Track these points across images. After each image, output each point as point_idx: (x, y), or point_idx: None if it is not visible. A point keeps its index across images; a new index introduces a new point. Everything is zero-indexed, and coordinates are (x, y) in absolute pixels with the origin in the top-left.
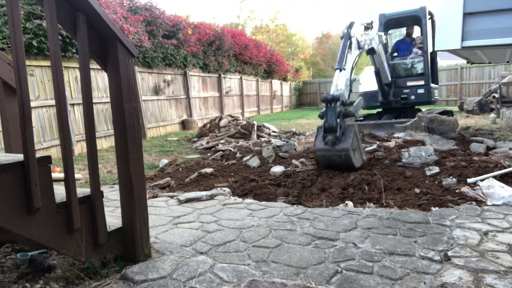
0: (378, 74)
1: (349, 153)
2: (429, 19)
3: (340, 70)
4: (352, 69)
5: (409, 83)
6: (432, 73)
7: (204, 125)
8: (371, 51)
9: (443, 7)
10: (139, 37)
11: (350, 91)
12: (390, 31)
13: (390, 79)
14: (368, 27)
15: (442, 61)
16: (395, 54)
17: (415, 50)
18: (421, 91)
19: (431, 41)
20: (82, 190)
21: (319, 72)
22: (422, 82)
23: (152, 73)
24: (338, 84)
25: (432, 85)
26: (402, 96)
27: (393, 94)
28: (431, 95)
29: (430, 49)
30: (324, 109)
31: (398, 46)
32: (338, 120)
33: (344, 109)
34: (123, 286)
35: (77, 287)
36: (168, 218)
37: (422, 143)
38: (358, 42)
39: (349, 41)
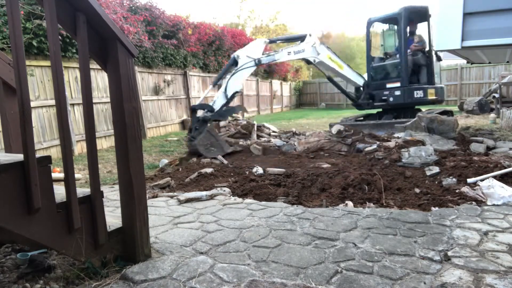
0: (330, 79)
1: (196, 147)
2: (429, 17)
3: (213, 86)
4: (224, 79)
5: (388, 85)
6: (427, 73)
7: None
8: (307, 61)
9: (443, 7)
10: (139, 37)
11: (228, 101)
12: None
13: (360, 83)
14: (292, 38)
15: (442, 61)
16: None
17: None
18: (397, 93)
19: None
20: (82, 190)
21: (319, 72)
22: (398, 84)
23: (152, 73)
24: (215, 96)
25: (415, 85)
26: (383, 98)
27: (370, 96)
28: (408, 96)
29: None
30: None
31: None
32: (196, 124)
33: (206, 115)
34: (123, 286)
35: (77, 287)
36: (168, 218)
37: (422, 143)
38: (255, 60)
39: (234, 61)
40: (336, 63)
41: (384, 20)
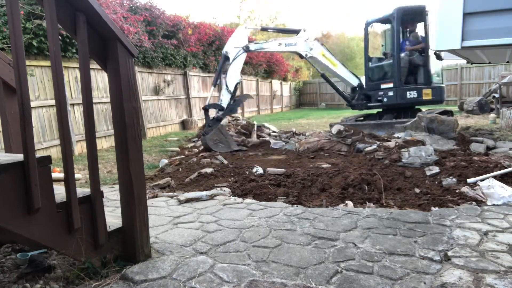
0: (324, 77)
1: (206, 141)
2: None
3: (214, 86)
4: (223, 77)
5: (382, 86)
6: (424, 73)
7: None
8: (300, 55)
9: (443, 7)
10: (139, 37)
11: (232, 94)
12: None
13: (354, 83)
14: (286, 30)
15: (442, 61)
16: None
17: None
18: (390, 93)
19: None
20: (82, 190)
21: (319, 72)
22: (391, 85)
23: (152, 73)
24: (220, 95)
25: (410, 85)
26: (378, 98)
27: (365, 97)
28: (401, 96)
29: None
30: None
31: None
32: (210, 122)
33: (218, 115)
34: (123, 286)
35: (77, 287)
36: (168, 218)
37: (422, 143)
38: (243, 47)
39: (225, 58)
40: (330, 61)
41: (380, 21)
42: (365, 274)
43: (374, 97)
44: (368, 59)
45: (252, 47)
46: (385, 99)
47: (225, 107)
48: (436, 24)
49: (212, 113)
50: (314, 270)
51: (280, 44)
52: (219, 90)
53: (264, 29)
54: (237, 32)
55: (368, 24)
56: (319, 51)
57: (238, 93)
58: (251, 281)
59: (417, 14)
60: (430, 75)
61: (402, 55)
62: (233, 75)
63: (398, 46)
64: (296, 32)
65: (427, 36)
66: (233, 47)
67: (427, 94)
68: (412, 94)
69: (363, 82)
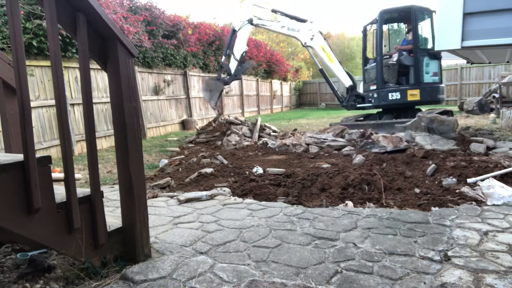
0: (322, 72)
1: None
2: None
3: (225, 56)
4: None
5: (371, 87)
6: (415, 73)
7: (204, 127)
8: (301, 43)
9: (443, 7)
10: (139, 37)
11: (239, 61)
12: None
13: (346, 83)
14: (294, 17)
15: (442, 61)
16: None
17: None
18: (375, 95)
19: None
20: (82, 190)
21: (319, 72)
22: (374, 87)
23: (152, 73)
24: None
25: (392, 86)
26: (369, 99)
27: (356, 98)
28: (383, 98)
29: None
30: None
31: None
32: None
33: (224, 79)
34: (123, 286)
35: (77, 287)
36: (168, 218)
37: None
38: (247, 20)
39: (233, 31)
40: (328, 56)
41: (397, 11)
42: (365, 274)
43: (367, 98)
44: (365, 60)
45: (255, 21)
46: (372, 101)
47: (232, 73)
48: (436, 24)
49: None
50: (314, 270)
51: (283, 26)
52: (228, 60)
53: (274, 11)
54: (244, 7)
55: (383, 17)
56: (320, 43)
57: (237, 91)
58: (251, 281)
59: (402, 15)
60: (420, 75)
61: (395, 55)
62: (239, 45)
63: (380, 48)
64: (303, 21)
65: (417, 35)
66: (239, 21)
67: (413, 95)
68: (394, 96)
69: (360, 83)
